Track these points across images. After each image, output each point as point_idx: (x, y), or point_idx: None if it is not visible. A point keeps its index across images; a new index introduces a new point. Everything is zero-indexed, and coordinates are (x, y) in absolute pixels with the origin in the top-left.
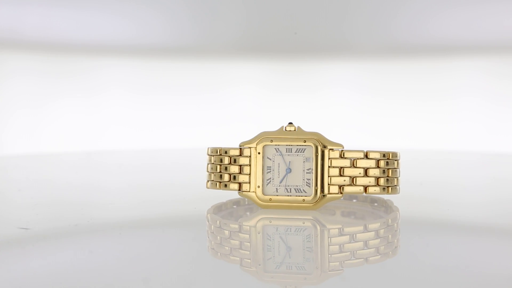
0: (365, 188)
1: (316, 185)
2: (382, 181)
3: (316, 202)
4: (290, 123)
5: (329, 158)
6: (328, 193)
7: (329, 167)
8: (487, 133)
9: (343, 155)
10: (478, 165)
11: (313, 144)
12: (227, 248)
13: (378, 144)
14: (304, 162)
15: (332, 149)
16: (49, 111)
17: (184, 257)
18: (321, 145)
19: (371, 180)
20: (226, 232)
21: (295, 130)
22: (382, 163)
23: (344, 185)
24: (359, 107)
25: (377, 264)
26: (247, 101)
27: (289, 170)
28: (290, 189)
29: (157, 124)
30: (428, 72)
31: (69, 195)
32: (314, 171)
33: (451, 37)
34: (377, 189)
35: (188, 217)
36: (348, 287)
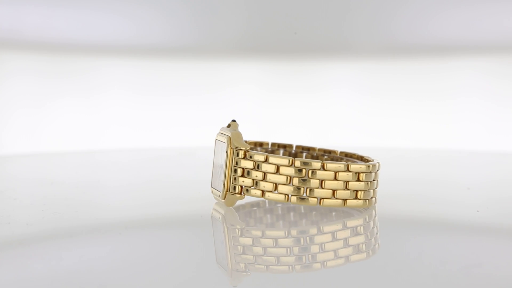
0: (262, 192)
1: (224, 183)
2: (285, 188)
3: (225, 199)
4: (233, 120)
5: (234, 158)
6: (232, 192)
7: (234, 166)
8: (487, 133)
9: (248, 157)
10: (478, 164)
11: (227, 142)
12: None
13: (378, 144)
14: None
15: (239, 150)
16: (49, 111)
17: (187, 259)
18: (231, 145)
19: (269, 185)
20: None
21: (228, 127)
22: (285, 169)
23: (245, 186)
24: (359, 107)
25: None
26: (247, 101)
27: (222, 166)
28: (221, 184)
29: (157, 124)
30: (428, 72)
31: (68, 194)
32: (223, 169)
33: (451, 37)
34: (275, 195)
35: (190, 217)
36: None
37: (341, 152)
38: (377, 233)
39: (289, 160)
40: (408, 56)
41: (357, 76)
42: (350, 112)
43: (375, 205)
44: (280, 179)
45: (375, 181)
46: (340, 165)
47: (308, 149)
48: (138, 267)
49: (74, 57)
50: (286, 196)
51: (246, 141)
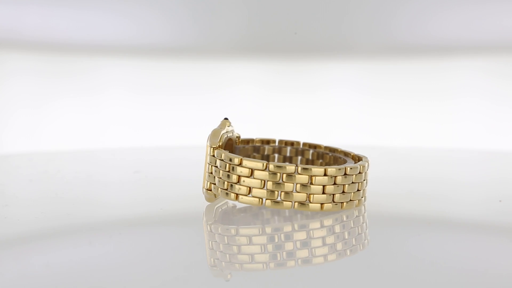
0: (216, 189)
1: (204, 179)
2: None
3: (205, 195)
4: (225, 118)
5: (207, 155)
6: (206, 188)
7: (208, 163)
8: (487, 132)
9: (218, 155)
10: (478, 163)
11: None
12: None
13: (378, 143)
14: None
15: (212, 147)
16: (49, 111)
17: (185, 258)
18: (208, 142)
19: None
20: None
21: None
22: (226, 166)
23: (211, 183)
24: (359, 107)
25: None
26: (247, 101)
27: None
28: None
29: (157, 123)
30: (428, 72)
31: (68, 194)
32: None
33: (451, 37)
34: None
35: (188, 216)
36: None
37: (355, 155)
38: (341, 240)
39: (238, 160)
40: (408, 56)
41: (357, 76)
42: (350, 112)
43: (352, 209)
44: (233, 178)
45: (344, 185)
46: (291, 167)
47: (334, 150)
48: (137, 265)
49: (74, 57)
50: (236, 195)
51: (280, 140)
